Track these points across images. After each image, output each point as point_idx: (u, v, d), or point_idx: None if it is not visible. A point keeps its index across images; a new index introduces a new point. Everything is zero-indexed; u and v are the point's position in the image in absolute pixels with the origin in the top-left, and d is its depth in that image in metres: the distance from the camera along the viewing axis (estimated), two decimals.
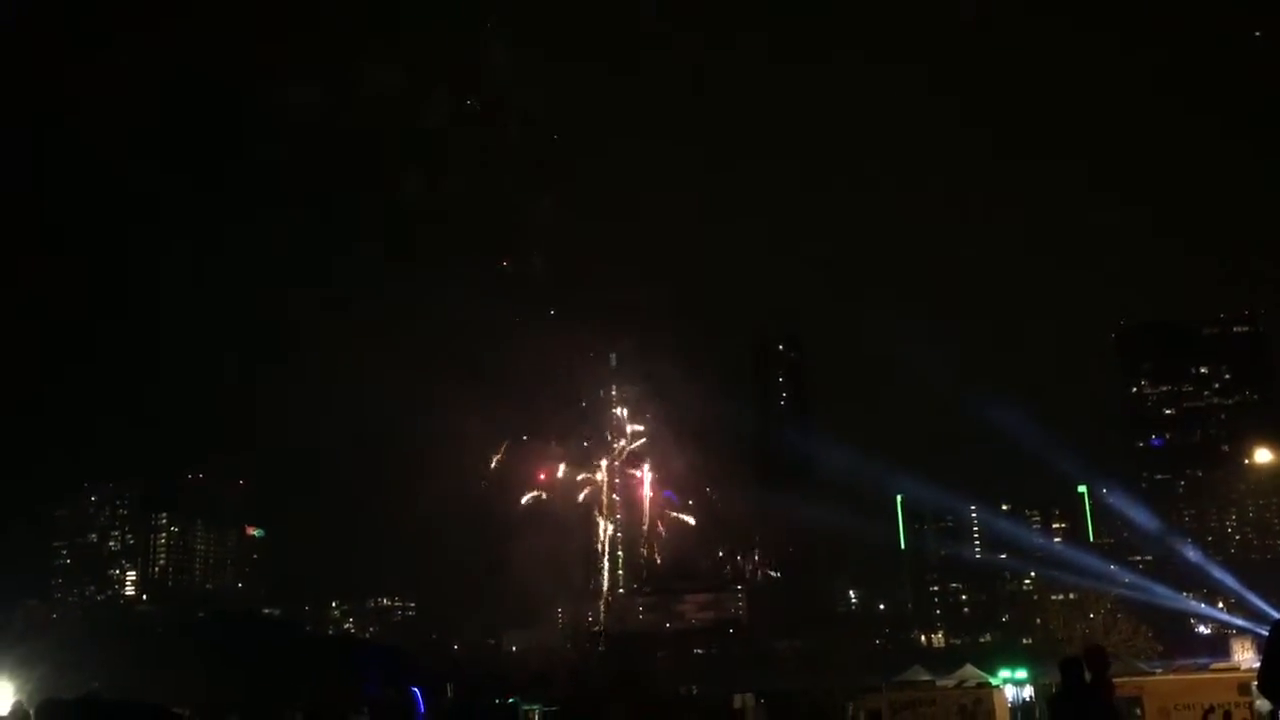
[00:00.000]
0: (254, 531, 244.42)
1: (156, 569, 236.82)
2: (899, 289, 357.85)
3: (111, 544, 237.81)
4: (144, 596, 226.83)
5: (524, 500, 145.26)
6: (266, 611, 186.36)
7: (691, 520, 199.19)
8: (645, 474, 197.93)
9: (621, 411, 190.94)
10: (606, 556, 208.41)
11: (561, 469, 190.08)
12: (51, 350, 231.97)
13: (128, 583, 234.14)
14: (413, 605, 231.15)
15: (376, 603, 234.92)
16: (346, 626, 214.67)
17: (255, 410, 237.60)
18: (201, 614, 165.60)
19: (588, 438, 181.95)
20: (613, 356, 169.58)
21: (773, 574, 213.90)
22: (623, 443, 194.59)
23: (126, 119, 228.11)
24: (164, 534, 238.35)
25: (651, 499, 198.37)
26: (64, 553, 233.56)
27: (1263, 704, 31.97)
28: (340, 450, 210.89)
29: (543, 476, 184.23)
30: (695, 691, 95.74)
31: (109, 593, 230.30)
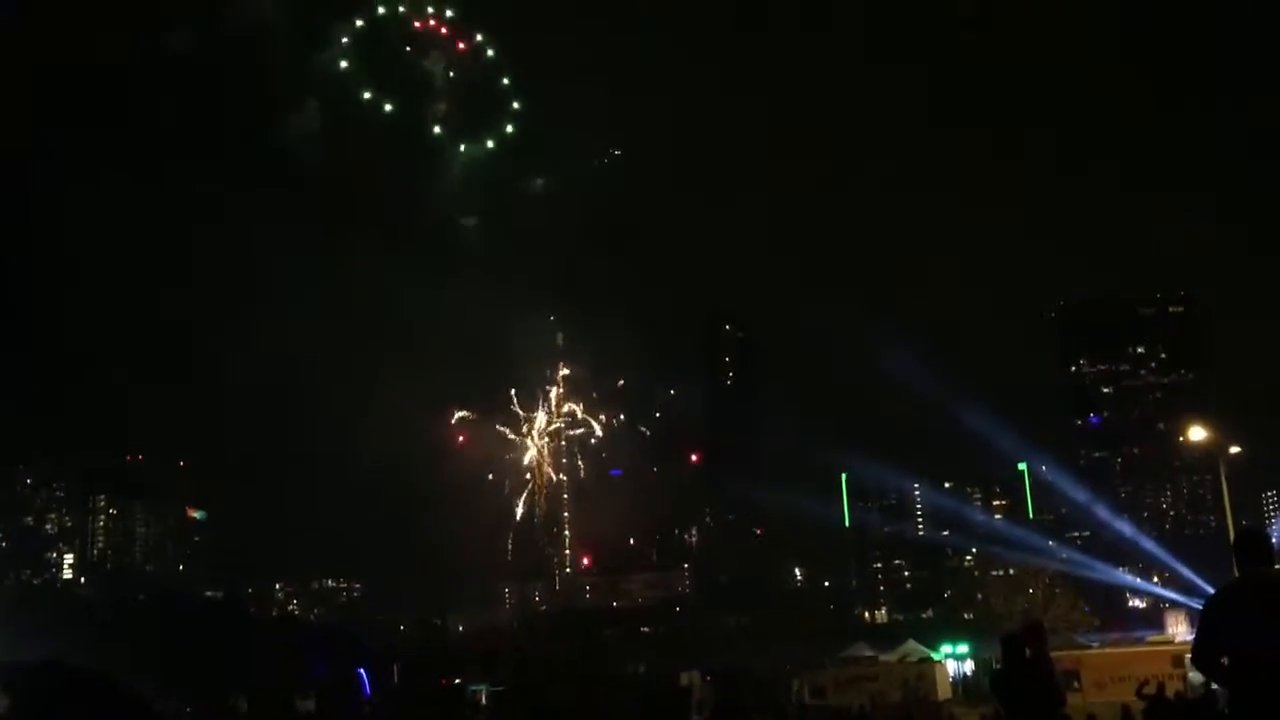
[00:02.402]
0: (195, 513, 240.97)
1: (95, 551, 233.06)
2: (843, 270, 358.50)
3: (49, 526, 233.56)
4: (82, 579, 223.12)
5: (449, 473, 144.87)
6: (209, 594, 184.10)
7: (639, 498, 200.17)
8: (591, 452, 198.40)
9: (567, 388, 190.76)
10: (553, 535, 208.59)
11: (506, 444, 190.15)
12: None
13: (65, 566, 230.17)
14: (358, 586, 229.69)
15: (321, 584, 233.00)
16: (291, 608, 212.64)
17: (192, 388, 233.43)
18: (142, 596, 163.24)
19: (532, 413, 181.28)
20: (559, 335, 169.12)
21: (720, 552, 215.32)
22: (569, 419, 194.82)
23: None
24: (103, 516, 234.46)
25: (597, 476, 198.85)
26: None
27: (1195, 676, 32.79)
28: (284, 428, 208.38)
29: (485, 452, 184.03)
30: (642, 670, 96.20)
31: (46, 576, 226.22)
